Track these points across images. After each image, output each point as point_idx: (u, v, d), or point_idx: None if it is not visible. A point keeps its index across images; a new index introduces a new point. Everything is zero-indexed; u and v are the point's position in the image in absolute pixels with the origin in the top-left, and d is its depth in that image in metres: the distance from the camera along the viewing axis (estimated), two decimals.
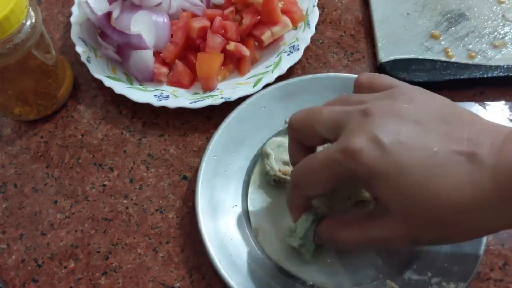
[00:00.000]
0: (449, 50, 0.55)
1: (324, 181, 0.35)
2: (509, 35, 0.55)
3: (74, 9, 0.58)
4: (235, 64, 0.55)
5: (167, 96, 0.53)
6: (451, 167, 0.31)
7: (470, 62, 0.53)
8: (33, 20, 0.47)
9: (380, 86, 0.37)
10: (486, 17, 0.57)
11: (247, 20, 0.54)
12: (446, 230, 0.33)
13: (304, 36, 0.55)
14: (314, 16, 0.56)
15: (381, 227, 0.35)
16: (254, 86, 0.52)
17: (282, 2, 0.54)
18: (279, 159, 0.47)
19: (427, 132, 0.33)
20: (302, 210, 0.40)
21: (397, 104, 0.34)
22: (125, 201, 0.49)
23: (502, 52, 0.54)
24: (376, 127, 0.33)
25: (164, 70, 0.54)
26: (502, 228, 0.33)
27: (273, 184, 0.47)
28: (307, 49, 0.55)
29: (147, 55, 0.53)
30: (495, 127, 0.33)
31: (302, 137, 0.39)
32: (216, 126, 0.51)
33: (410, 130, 0.33)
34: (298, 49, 0.54)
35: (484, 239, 0.42)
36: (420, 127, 0.33)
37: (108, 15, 0.53)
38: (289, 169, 0.46)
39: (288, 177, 0.46)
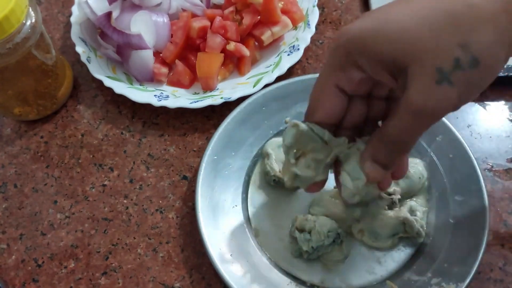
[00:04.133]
0: None
1: (334, 66, 0.33)
2: None
3: (74, 9, 0.58)
4: (235, 64, 0.55)
5: (167, 96, 0.52)
6: None
7: None
8: (33, 20, 0.47)
9: None
10: None
11: (247, 20, 0.54)
12: (460, 33, 0.29)
13: (304, 36, 0.55)
14: (314, 16, 0.56)
15: (408, 93, 0.30)
16: (254, 86, 0.52)
17: (282, 2, 0.54)
18: (279, 159, 0.47)
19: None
20: (328, 101, 0.35)
21: None
22: (125, 201, 0.49)
23: None
24: (375, 12, 0.32)
25: (164, 70, 0.54)
26: None
27: (273, 184, 0.47)
28: (307, 49, 0.55)
29: (147, 55, 0.53)
30: None
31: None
32: (216, 126, 0.51)
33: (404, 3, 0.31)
34: (298, 49, 0.54)
35: (484, 239, 0.42)
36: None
37: (108, 15, 0.53)
38: None
39: None
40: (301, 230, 0.43)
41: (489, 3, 0.29)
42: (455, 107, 0.30)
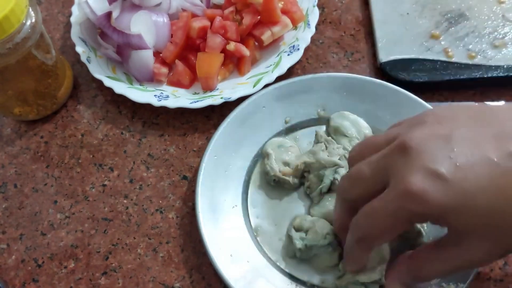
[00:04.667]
0: (449, 50, 0.55)
1: (394, 228, 0.33)
2: (509, 35, 0.55)
3: (74, 9, 0.58)
4: (235, 64, 0.55)
5: (167, 96, 0.52)
6: None
7: (470, 62, 0.53)
8: (33, 20, 0.47)
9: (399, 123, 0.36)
10: (486, 17, 0.57)
11: (247, 20, 0.54)
12: None
13: (304, 36, 0.55)
14: (314, 16, 0.56)
15: (467, 252, 0.32)
16: (254, 86, 0.52)
17: (282, 2, 0.54)
18: (279, 159, 0.47)
19: (476, 142, 0.31)
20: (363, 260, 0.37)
21: (429, 126, 0.32)
22: (125, 201, 0.49)
23: (502, 52, 0.54)
24: (426, 159, 0.30)
25: (164, 70, 0.54)
26: None
27: (273, 184, 0.47)
28: (307, 49, 0.55)
29: (147, 55, 0.53)
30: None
31: (356, 202, 0.36)
32: (216, 126, 0.51)
33: (460, 148, 0.31)
34: (298, 49, 0.54)
35: None
36: (466, 141, 0.31)
37: (108, 15, 0.53)
38: (289, 169, 0.46)
39: (287, 178, 0.46)
40: (298, 230, 0.43)
41: None
42: None
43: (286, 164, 0.47)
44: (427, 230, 0.44)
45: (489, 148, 0.31)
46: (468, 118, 0.32)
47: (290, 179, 0.46)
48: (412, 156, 0.31)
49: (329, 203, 0.45)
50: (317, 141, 0.48)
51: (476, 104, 0.34)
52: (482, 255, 0.32)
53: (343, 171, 0.45)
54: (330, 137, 0.47)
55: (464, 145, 0.31)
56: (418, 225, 0.43)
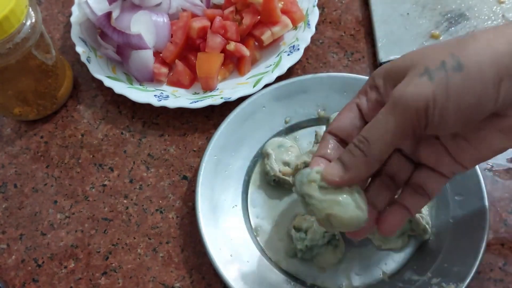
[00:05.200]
0: None
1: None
2: None
3: (74, 9, 0.58)
4: (235, 64, 0.55)
5: (167, 96, 0.52)
6: None
7: None
8: (33, 20, 0.47)
9: None
10: (486, 17, 0.57)
11: (247, 20, 0.54)
12: (454, 48, 0.31)
13: (304, 36, 0.55)
14: (314, 16, 0.56)
15: (401, 85, 0.31)
16: (254, 86, 0.52)
17: (282, 2, 0.54)
18: (279, 159, 0.47)
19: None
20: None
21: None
22: (125, 201, 0.49)
23: None
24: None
25: (164, 70, 0.54)
26: None
27: (273, 184, 0.47)
28: (307, 49, 0.55)
29: (147, 55, 0.53)
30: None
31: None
32: (216, 126, 0.51)
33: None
34: (298, 49, 0.54)
35: (484, 238, 0.42)
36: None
37: (108, 15, 0.53)
38: (289, 169, 0.46)
39: (288, 178, 0.46)
40: (298, 229, 0.43)
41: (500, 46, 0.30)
42: (427, 102, 0.30)
43: (286, 164, 0.47)
44: (433, 230, 0.44)
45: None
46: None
47: (290, 179, 0.46)
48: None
49: None
50: (317, 141, 0.48)
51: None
52: (401, 84, 0.31)
53: None
54: None
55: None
56: (423, 222, 0.43)
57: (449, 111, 0.30)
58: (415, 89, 0.30)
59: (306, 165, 0.46)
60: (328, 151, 0.35)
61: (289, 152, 0.48)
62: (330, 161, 0.35)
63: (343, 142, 0.36)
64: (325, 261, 0.43)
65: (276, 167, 0.47)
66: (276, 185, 0.48)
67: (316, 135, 0.48)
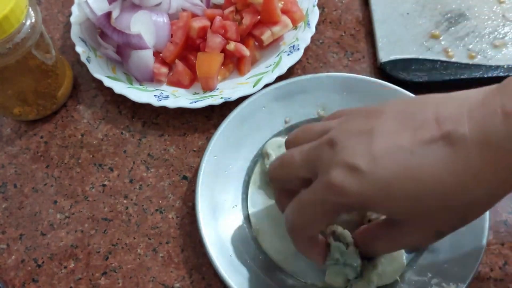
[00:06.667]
0: (449, 50, 0.55)
1: (320, 219, 0.35)
2: (509, 35, 0.55)
3: (74, 9, 0.58)
4: (235, 64, 0.55)
5: (167, 96, 0.52)
6: (432, 159, 0.31)
7: (470, 62, 0.53)
8: (33, 20, 0.47)
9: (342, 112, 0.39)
10: (486, 17, 0.57)
11: (247, 20, 0.54)
12: (459, 212, 0.33)
13: (304, 36, 0.55)
14: (314, 16, 0.56)
15: (405, 235, 0.35)
16: (254, 86, 0.52)
17: (282, 2, 0.54)
18: None
19: (395, 133, 0.32)
20: (317, 247, 0.39)
21: (358, 122, 0.34)
22: (125, 201, 0.49)
23: (502, 52, 0.54)
24: (346, 154, 0.32)
25: (164, 70, 0.54)
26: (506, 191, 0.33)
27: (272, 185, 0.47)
28: (307, 49, 0.55)
29: (147, 55, 0.53)
30: (459, 96, 0.33)
31: (285, 184, 0.39)
32: (216, 126, 0.51)
33: (379, 141, 0.32)
34: (298, 49, 0.54)
35: (484, 239, 0.42)
36: (387, 133, 0.32)
37: (108, 15, 0.53)
38: None
39: None
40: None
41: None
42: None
43: None
44: None
45: (406, 137, 0.32)
46: (397, 112, 0.33)
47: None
48: (337, 151, 0.33)
49: None
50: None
51: (415, 96, 0.35)
52: (418, 238, 0.35)
53: None
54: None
55: (384, 138, 0.32)
56: None
57: None
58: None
59: None
60: None
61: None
62: None
63: None
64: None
65: None
66: None
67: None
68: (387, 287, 0.42)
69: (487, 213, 0.43)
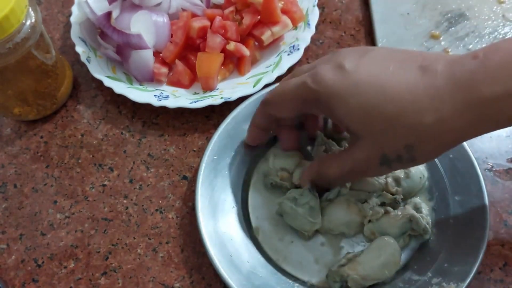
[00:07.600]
0: (449, 50, 0.55)
1: (291, 101, 0.39)
2: (509, 35, 0.55)
3: (74, 9, 0.58)
4: (235, 64, 0.55)
5: (167, 96, 0.52)
6: (402, 76, 0.35)
7: None
8: (33, 20, 0.47)
9: None
10: (486, 17, 0.57)
11: (247, 20, 0.54)
12: (406, 136, 0.35)
13: (304, 36, 0.55)
14: (314, 16, 0.56)
15: (353, 153, 0.38)
16: (254, 86, 0.52)
17: (282, 2, 0.54)
18: (278, 164, 0.47)
19: (384, 58, 0.36)
20: (263, 132, 0.45)
21: (353, 48, 0.39)
22: (125, 201, 0.49)
23: None
24: (338, 57, 0.37)
25: (164, 70, 0.54)
26: (467, 135, 0.35)
27: (271, 186, 0.47)
28: (307, 49, 0.55)
29: (147, 55, 0.53)
30: (444, 54, 0.37)
31: (279, 107, 0.41)
32: (216, 126, 0.51)
33: (368, 57, 0.37)
34: (298, 49, 0.54)
35: (485, 239, 0.42)
36: (378, 56, 0.37)
37: (108, 15, 0.53)
38: (287, 174, 0.46)
39: (285, 182, 0.46)
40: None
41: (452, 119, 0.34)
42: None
43: (283, 169, 0.47)
44: (433, 230, 0.44)
45: (390, 62, 0.36)
46: (391, 49, 0.38)
47: (287, 183, 0.46)
48: (334, 55, 0.38)
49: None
50: (318, 142, 0.48)
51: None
52: (362, 157, 0.37)
53: None
54: (330, 140, 0.47)
55: (374, 58, 0.37)
56: (424, 222, 0.43)
57: None
58: (377, 174, 0.42)
59: None
60: None
61: (289, 155, 0.47)
62: None
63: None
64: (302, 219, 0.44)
65: (274, 171, 0.46)
66: (275, 187, 0.47)
67: (317, 136, 0.48)
68: (386, 286, 0.42)
69: (487, 213, 0.43)
